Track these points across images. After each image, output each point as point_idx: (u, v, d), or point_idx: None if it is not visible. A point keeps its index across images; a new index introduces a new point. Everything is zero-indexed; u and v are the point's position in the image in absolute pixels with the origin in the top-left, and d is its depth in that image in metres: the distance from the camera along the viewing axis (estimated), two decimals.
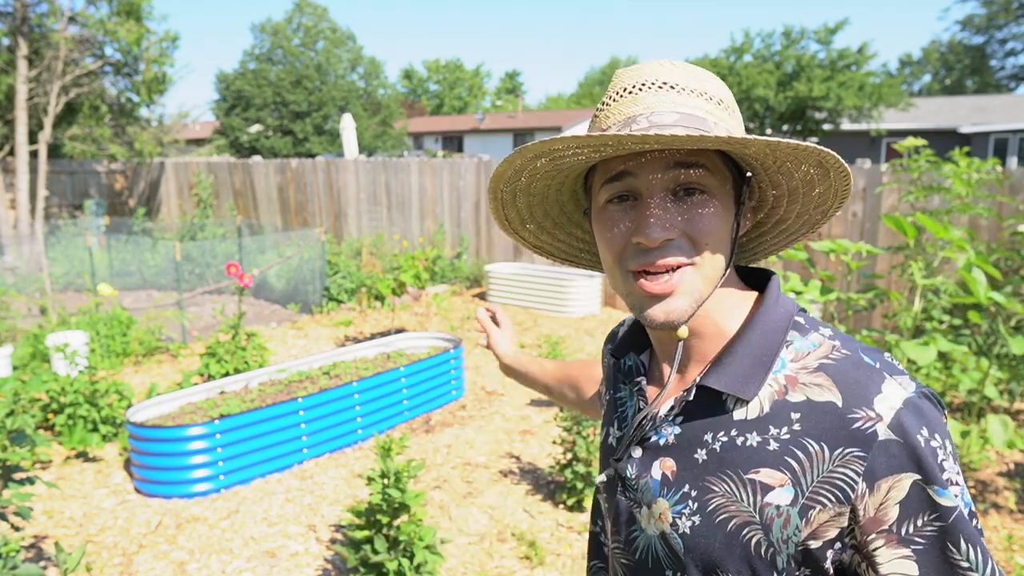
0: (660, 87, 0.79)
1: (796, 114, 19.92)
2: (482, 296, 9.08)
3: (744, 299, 0.86)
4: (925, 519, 0.70)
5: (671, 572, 0.82)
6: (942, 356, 4.31)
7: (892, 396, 0.72)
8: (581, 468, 3.71)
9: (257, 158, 12.25)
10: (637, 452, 0.86)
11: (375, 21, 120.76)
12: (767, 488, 0.74)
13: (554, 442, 4.12)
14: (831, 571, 0.74)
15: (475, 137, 30.22)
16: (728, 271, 0.83)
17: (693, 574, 0.79)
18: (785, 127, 20.61)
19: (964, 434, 3.47)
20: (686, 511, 0.79)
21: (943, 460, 0.71)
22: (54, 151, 13.06)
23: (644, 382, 0.91)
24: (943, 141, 16.72)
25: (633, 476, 0.86)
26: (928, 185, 5.02)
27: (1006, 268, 5.30)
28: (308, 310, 8.31)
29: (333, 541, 3.47)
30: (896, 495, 0.70)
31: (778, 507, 0.74)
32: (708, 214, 0.78)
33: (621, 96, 0.81)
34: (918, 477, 0.70)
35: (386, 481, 2.83)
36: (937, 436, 0.71)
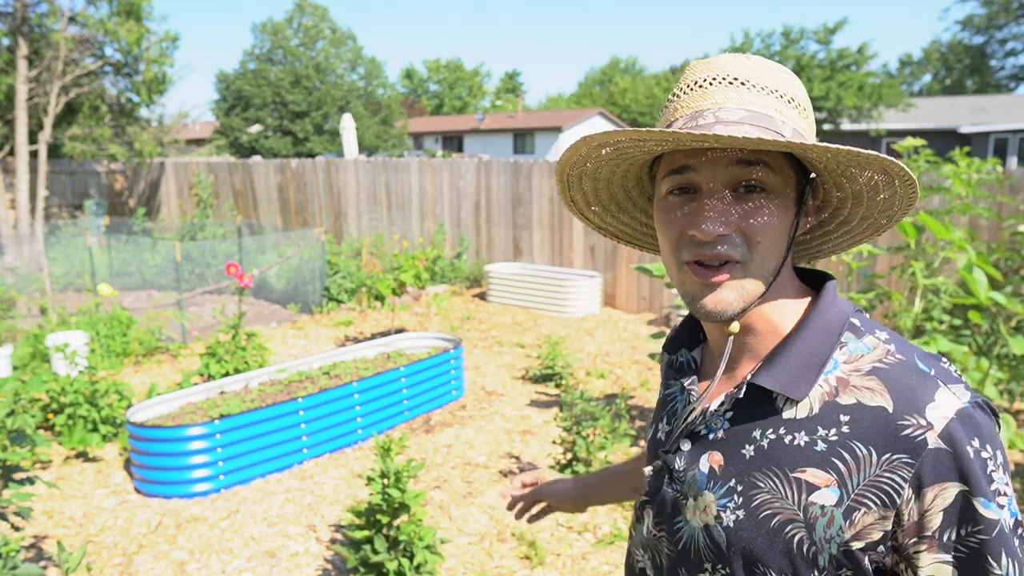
0: (731, 83, 0.79)
1: None
2: (482, 296, 9.08)
3: (800, 299, 0.86)
4: (969, 529, 0.70)
5: (711, 564, 0.83)
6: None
7: (944, 405, 0.73)
8: (581, 468, 3.71)
9: (257, 158, 12.26)
10: (686, 445, 0.88)
11: (375, 21, 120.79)
12: (812, 488, 0.75)
13: (554, 442, 4.12)
14: (871, 572, 0.74)
15: (475, 137, 30.22)
16: (783, 270, 0.83)
17: (735, 567, 0.80)
18: None
19: None
20: (731, 504, 0.81)
21: (992, 471, 0.71)
22: (54, 151, 13.05)
23: (696, 377, 0.93)
24: (943, 141, 16.73)
25: (681, 468, 0.87)
26: (928, 185, 5.02)
27: (1006, 268, 5.30)
28: (308, 310, 8.31)
29: (333, 541, 3.47)
30: (941, 503, 0.71)
31: (823, 507, 0.74)
32: (766, 213, 0.78)
33: (692, 89, 0.81)
34: (965, 488, 0.70)
35: (386, 481, 2.83)
36: (988, 447, 0.72)
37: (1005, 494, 0.72)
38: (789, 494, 0.76)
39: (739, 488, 0.80)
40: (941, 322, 4.66)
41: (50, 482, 2.93)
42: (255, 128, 22.03)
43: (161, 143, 12.91)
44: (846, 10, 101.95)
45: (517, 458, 4.39)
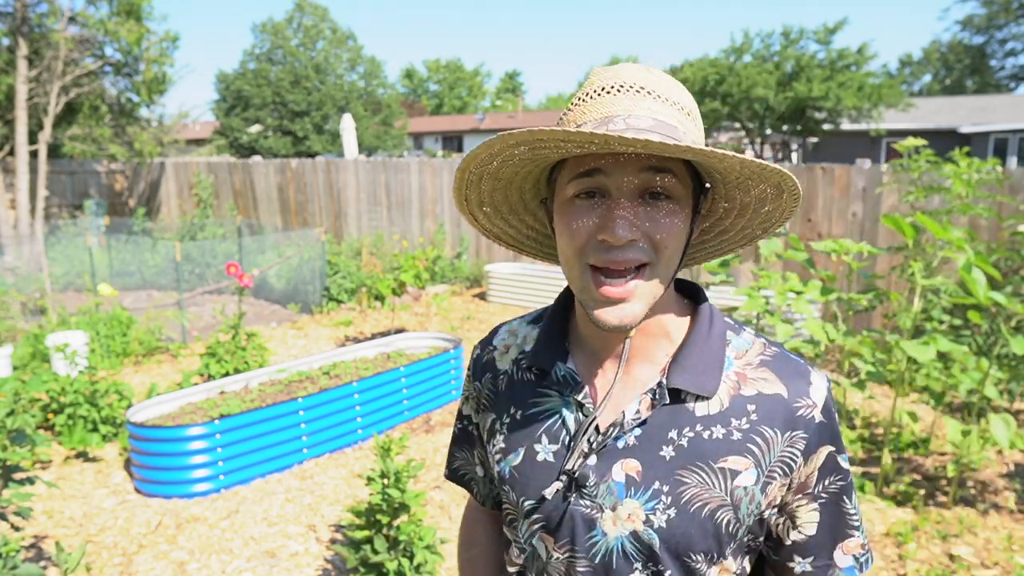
0: (638, 91, 0.81)
1: (796, 114, 19.91)
2: (482, 296, 9.08)
3: (681, 303, 0.93)
4: (832, 479, 0.87)
5: (640, 565, 0.85)
6: (942, 356, 4.31)
7: (819, 386, 0.87)
8: None
9: (257, 158, 12.25)
10: (592, 459, 0.86)
11: (375, 21, 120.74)
12: (735, 473, 0.84)
13: None
14: (768, 531, 0.89)
15: (475, 137, 30.23)
16: (675, 277, 0.87)
17: (666, 561, 0.84)
18: (785, 127, 20.60)
19: (964, 434, 3.47)
20: (660, 506, 0.83)
21: (841, 433, 0.90)
22: (54, 151, 13.05)
23: (587, 389, 0.90)
24: (943, 141, 16.72)
25: (592, 482, 0.86)
26: (928, 185, 5.02)
27: (1006, 268, 5.30)
28: (308, 310, 8.31)
29: (333, 541, 3.47)
30: (818, 463, 0.86)
31: (745, 488, 0.84)
32: (670, 220, 0.80)
33: (599, 95, 0.82)
34: (833, 448, 0.87)
35: (386, 481, 2.83)
36: (837, 415, 0.90)
37: (846, 448, 0.86)
38: (716, 483, 0.83)
39: (665, 488, 0.84)
40: (941, 322, 4.66)
41: (50, 482, 2.93)
42: (255, 128, 22.02)
43: (161, 143, 12.90)
44: (846, 10, 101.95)
45: None
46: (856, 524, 0.90)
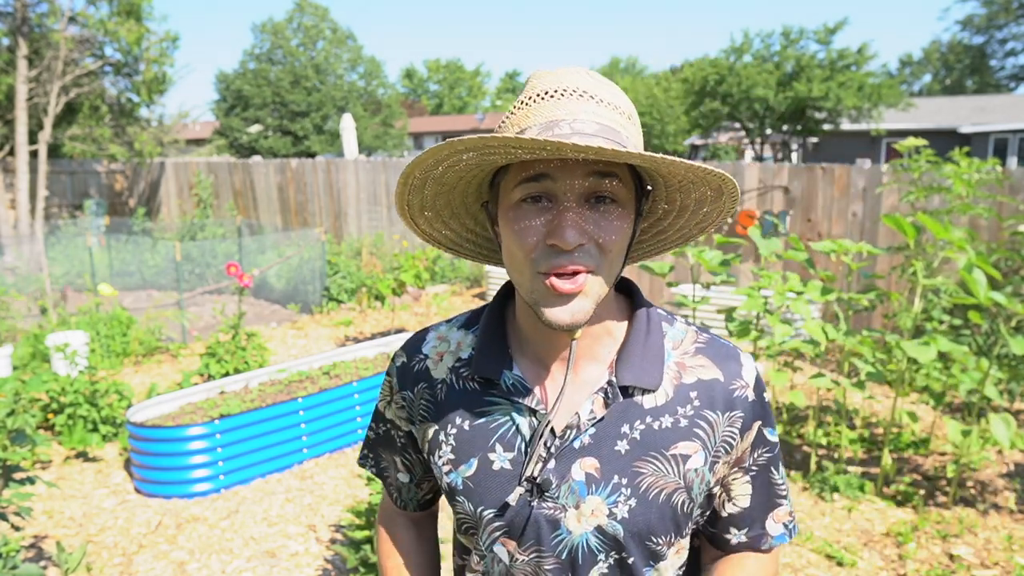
0: (581, 95, 0.81)
1: (796, 114, 19.91)
2: (482, 296, 9.08)
3: (619, 300, 0.96)
4: (761, 451, 0.94)
5: (604, 555, 0.88)
6: (942, 356, 4.31)
7: (748, 366, 0.93)
8: None
9: (257, 158, 12.25)
10: (551, 463, 0.87)
11: (375, 21, 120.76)
12: (686, 457, 0.88)
13: None
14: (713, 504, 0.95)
15: None
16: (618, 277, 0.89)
17: (629, 549, 0.87)
18: (785, 127, 20.60)
19: (964, 434, 3.47)
20: (621, 499, 0.86)
21: (769, 405, 0.95)
22: (54, 151, 13.05)
23: (536, 395, 0.90)
24: (943, 141, 16.71)
25: (554, 484, 0.87)
26: (928, 185, 5.02)
27: (1006, 268, 5.30)
28: (308, 310, 8.31)
29: (333, 541, 3.47)
30: (750, 438, 0.92)
31: (696, 470, 0.89)
32: (616, 223, 0.81)
33: (542, 99, 0.82)
34: (761, 423, 0.93)
35: None
36: (766, 392, 0.95)
37: (775, 422, 0.96)
38: (670, 469, 0.88)
39: (624, 481, 0.87)
40: (941, 322, 4.66)
41: (50, 482, 2.93)
42: (255, 128, 22.02)
43: (161, 143, 12.90)
44: (846, 10, 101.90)
45: None
46: (784, 493, 0.97)
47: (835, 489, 3.79)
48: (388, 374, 1.06)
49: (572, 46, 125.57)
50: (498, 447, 0.91)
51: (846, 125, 20.44)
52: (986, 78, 38.23)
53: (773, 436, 0.95)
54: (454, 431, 0.95)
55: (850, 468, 4.02)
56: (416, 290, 8.40)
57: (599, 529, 0.87)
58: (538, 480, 0.86)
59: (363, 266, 9.52)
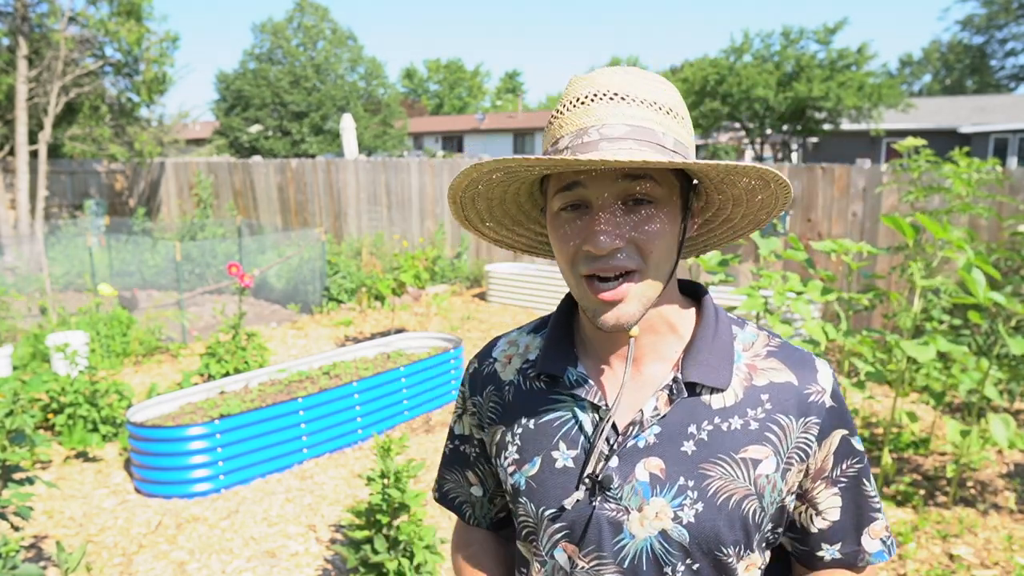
0: (611, 98, 0.81)
1: (796, 114, 19.90)
2: (482, 296, 9.08)
3: (685, 300, 0.94)
4: (849, 462, 0.89)
5: (671, 567, 0.84)
6: (942, 356, 4.31)
7: (824, 372, 0.90)
8: None
9: (257, 158, 12.25)
10: (614, 461, 0.86)
11: (375, 21, 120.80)
12: (757, 462, 0.85)
13: None
14: (792, 521, 0.91)
15: (475, 137, 30.23)
16: (676, 272, 0.88)
17: (696, 557, 0.84)
18: (785, 127, 20.60)
19: (964, 433, 3.47)
20: (687, 502, 0.84)
21: (851, 416, 0.91)
22: (54, 151, 13.05)
23: (600, 392, 0.90)
24: (943, 141, 16.71)
25: (617, 484, 0.85)
26: (928, 185, 5.02)
27: (1006, 268, 5.30)
28: (308, 310, 8.31)
29: (333, 541, 3.47)
30: (832, 447, 0.88)
31: (767, 476, 0.85)
32: (655, 223, 0.81)
33: (575, 106, 0.83)
34: (846, 432, 0.89)
35: (386, 481, 2.83)
36: (844, 399, 0.92)
37: (858, 431, 0.90)
38: (740, 474, 0.84)
39: (691, 483, 0.84)
40: (941, 322, 4.66)
41: (50, 482, 2.93)
42: (255, 128, 22.02)
43: (161, 143, 12.90)
44: (846, 10, 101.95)
45: None
46: (878, 507, 0.92)
47: None
48: (461, 384, 1.07)
49: (572, 46, 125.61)
50: (561, 445, 0.90)
51: (846, 125, 20.43)
52: (986, 78, 38.22)
53: (860, 445, 0.91)
54: (520, 431, 0.95)
55: None
56: (416, 290, 8.40)
57: (664, 534, 0.84)
58: (599, 478, 0.85)
59: (363, 266, 9.52)
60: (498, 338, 1.07)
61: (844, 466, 0.89)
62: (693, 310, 0.94)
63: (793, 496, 0.88)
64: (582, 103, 0.82)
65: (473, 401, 1.03)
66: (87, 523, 3.66)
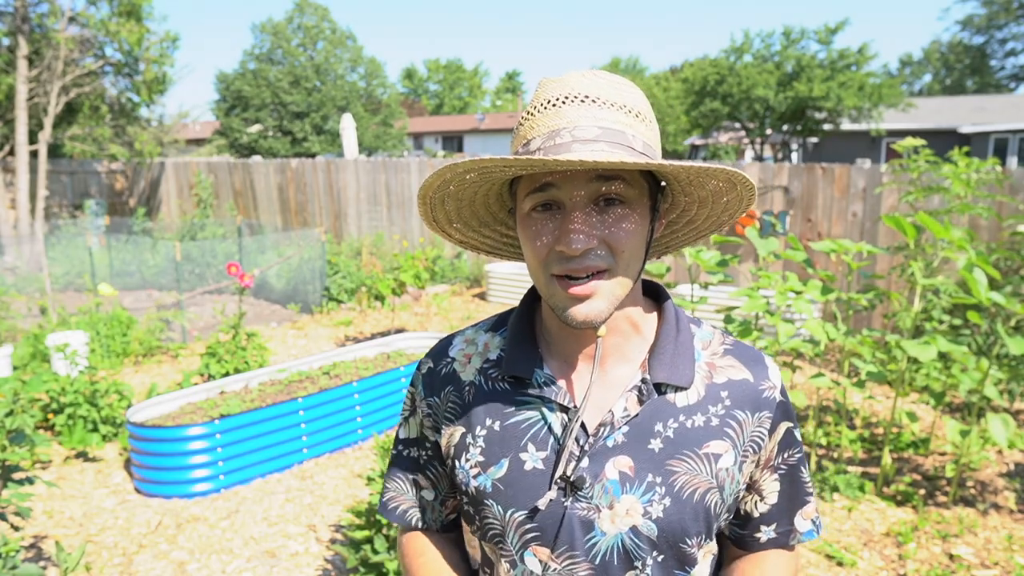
0: (583, 101, 0.83)
1: (796, 114, 19.90)
2: (482, 296, 9.08)
3: (647, 301, 0.97)
4: (790, 452, 0.96)
5: (640, 561, 0.87)
6: (942, 356, 4.31)
7: (773, 368, 0.96)
8: None
9: (257, 158, 12.25)
10: (584, 462, 0.87)
11: (375, 21, 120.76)
12: (717, 456, 0.89)
13: None
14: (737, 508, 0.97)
15: (475, 137, 30.23)
16: (642, 273, 0.89)
17: (662, 550, 0.87)
18: (785, 127, 20.59)
19: (964, 434, 3.47)
20: (656, 497, 0.86)
21: (793, 406, 0.97)
22: (54, 151, 13.06)
23: (568, 393, 0.90)
24: (943, 141, 16.71)
25: (588, 483, 0.86)
26: (928, 185, 5.02)
27: (1006, 268, 5.30)
28: (308, 310, 8.31)
29: (333, 541, 3.47)
30: (778, 438, 0.94)
31: (727, 469, 0.89)
32: (626, 224, 0.83)
33: (545, 108, 0.84)
34: (790, 424, 0.96)
35: None
36: (787, 393, 0.96)
37: (797, 423, 0.98)
38: (703, 468, 0.88)
39: (658, 480, 0.87)
40: (941, 322, 4.66)
41: (50, 482, 2.93)
42: (255, 128, 22.02)
43: (161, 143, 12.91)
44: (846, 10, 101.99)
45: None
46: (810, 491, 1.00)
47: (835, 489, 3.79)
48: (412, 385, 1.04)
49: (572, 46, 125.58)
50: (530, 446, 0.90)
51: (846, 125, 20.43)
52: (986, 78, 38.22)
53: (799, 435, 0.98)
54: (484, 432, 0.94)
55: (850, 468, 4.02)
56: (416, 290, 8.40)
57: (634, 530, 0.86)
58: (572, 479, 0.86)
59: (363, 266, 9.52)
60: (452, 336, 1.05)
61: (786, 455, 0.96)
62: (655, 311, 0.96)
63: (749, 486, 0.95)
64: (553, 105, 0.83)
65: (428, 402, 1.01)
66: (87, 523, 3.66)
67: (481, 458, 0.93)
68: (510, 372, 0.93)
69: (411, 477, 1.05)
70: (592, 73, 0.86)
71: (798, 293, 3.73)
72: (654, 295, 0.99)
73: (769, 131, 20.89)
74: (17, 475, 2.79)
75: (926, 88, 43.53)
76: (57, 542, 2.42)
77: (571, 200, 0.82)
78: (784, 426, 0.94)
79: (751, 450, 0.91)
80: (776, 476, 0.96)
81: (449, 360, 1.01)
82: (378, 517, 2.83)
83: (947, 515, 3.59)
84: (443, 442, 0.99)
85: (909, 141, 4.48)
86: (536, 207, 0.84)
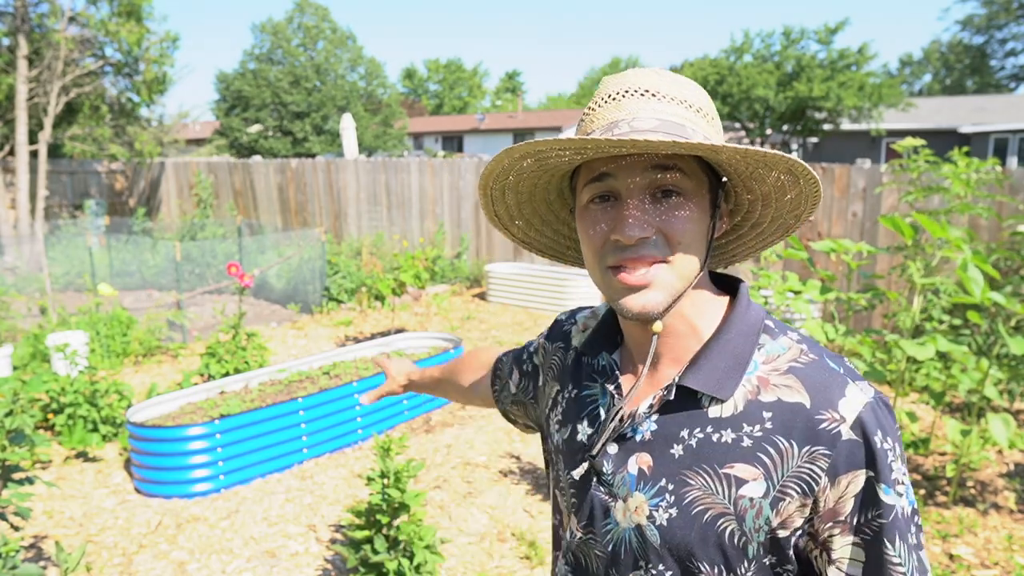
0: (642, 94, 0.83)
1: (796, 114, 19.91)
2: (482, 296, 9.08)
3: (717, 302, 0.91)
4: (872, 513, 0.77)
5: (644, 563, 0.86)
6: (942, 356, 4.31)
7: (854, 400, 0.79)
8: None
9: (257, 158, 12.26)
10: (613, 448, 0.89)
11: (375, 21, 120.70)
12: (741, 481, 0.80)
13: None
14: (792, 556, 0.81)
15: (475, 137, 30.22)
16: (703, 272, 0.87)
17: (668, 563, 0.84)
18: (785, 127, 20.60)
19: (964, 433, 3.47)
20: (663, 504, 0.84)
21: (892, 461, 0.78)
22: (54, 151, 13.05)
23: (620, 380, 0.93)
24: (943, 141, 16.71)
25: (609, 471, 0.89)
26: (927, 185, 5.02)
27: (1006, 268, 5.30)
28: (308, 310, 8.31)
29: (333, 541, 3.47)
30: (853, 489, 0.77)
31: (751, 499, 0.79)
32: (683, 215, 0.82)
33: (606, 102, 0.85)
34: (872, 474, 0.77)
35: (386, 481, 2.84)
36: (889, 439, 0.79)
37: (903, 483, 0.78)
38: (720, 489, 0.81)
39: (670, 487, 0.83)
40: (940, 322, 4.66)
41: (50, 482, 2.93)
42: (255, 128, 22.03)
43: (161, 143, 12.91)
44: (846, 10, 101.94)
45: (517, 458, 4.40)
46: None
47: None
48: (549, 328, 1.15)
49: (572, 46, 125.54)
50: (585, 421, 0.96)
51: (846, 125, 20.44)
52: (986, 78, 38.23)
53: (890, 498, 0.77)
54: (566, 396, 1.02)
55: None
56: (416, 290, 8.40)
57: (639, 530, 0.85)
58: (596, 458, 0.89)
59: (363, 266, 9.52)
60: (589, 307, 1.13)
61: (868, 516, 0.77)
62: (722, 312, 0.90)
63: (800, 534, 0.79)
64: (613, 99, 0.84)
65: (544, 344, 1.13)
66: (87, 523, 3.66)
67: (560, 417, 1.01)
68: (583, 351, 1.01)
69: (512, 374, 1.21)
70: (655, 71, 0.86)
71: (797, 293, 3.73)
72: (730, 291, 0.94)
73: (769, 131, 20.89)
74: (17, 475, 2.79)
75: (926, 88, 43.53)
76: (57, 542, 2.42)
77: (627, 188, 0.82)
78: (860, 476, 0.77)
79: (796, 489, 0.78)
80: (856, 539, 0.78)
81: (573, 322, 1.10)
82: (378, 517, 2.83)
83: (947, 515, 3.59)
84: (541, 389, 1.11)
85: (909, 141, 4.47)
86: (594, 198, 0.84)
